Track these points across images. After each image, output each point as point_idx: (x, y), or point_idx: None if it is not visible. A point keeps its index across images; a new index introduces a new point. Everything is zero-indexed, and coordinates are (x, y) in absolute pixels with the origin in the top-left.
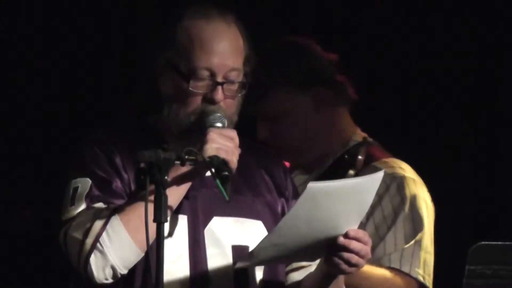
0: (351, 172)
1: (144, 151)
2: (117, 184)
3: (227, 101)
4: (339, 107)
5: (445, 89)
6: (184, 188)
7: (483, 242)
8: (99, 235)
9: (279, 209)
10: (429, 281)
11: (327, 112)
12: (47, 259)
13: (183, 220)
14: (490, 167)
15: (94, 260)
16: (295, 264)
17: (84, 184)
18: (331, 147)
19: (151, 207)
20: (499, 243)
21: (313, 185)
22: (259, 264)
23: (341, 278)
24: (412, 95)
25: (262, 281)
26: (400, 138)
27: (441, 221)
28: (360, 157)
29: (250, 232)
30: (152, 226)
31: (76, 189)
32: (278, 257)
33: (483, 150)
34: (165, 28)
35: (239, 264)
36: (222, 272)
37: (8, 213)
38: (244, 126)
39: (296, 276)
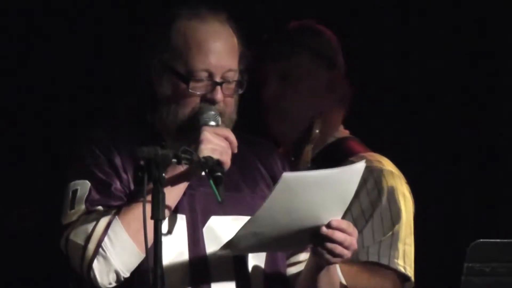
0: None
1: (144, 147)
2: (117, 185)
3: (226, 100)
4: (341, 106)
5: (445, 88)
6: (182, 187)
7: (481, 240)
8: (101, 240)
9: None
10: (410, 271)
11: (334, 99)
12: (46, 258)
13: (182, 219)
14: (490, 166)
15: (97, 266)
16: (293, 259)
17: (83, 186)
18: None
19: (149, 207)
20: (498, 240)
21: (287, 175)
22: (241, 252)
23: (333, 269)
24: (411, 94)
25: (264, 273)
26: (399, 138)
27: (440, 219)
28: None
29: None
30: (151, 226)
31: (75, 192)
32: (260, 245)
33: (482, 149)
34: (158, 30)
35: (219, 252)
36: (223, 268)
37: (7, 211)
38: (242, 120)
39: (293, 270)
